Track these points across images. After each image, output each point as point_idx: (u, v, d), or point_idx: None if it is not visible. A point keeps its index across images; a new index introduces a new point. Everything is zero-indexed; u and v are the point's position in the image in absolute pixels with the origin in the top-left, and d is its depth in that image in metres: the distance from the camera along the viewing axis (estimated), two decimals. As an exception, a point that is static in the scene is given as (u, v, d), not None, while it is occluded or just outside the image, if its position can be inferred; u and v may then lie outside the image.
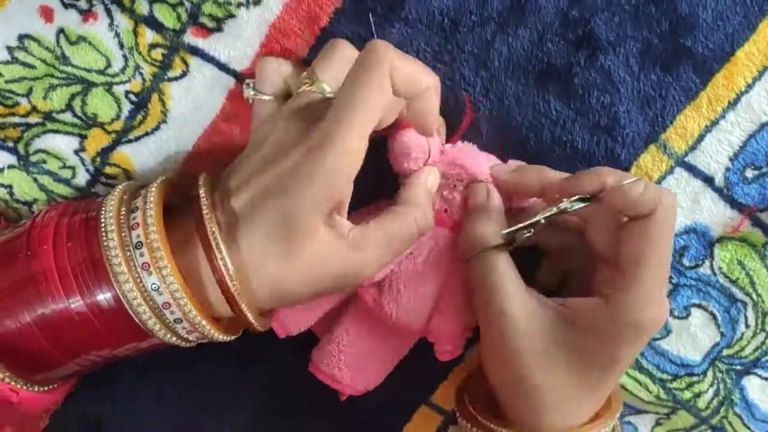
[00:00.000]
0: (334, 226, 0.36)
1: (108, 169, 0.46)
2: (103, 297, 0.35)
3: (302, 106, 0.38)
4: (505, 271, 0.40)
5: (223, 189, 0.37)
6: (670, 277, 0.46)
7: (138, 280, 0.35)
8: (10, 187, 0.46)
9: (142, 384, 0.51)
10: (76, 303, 0.35)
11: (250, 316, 0.37)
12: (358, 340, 0.44)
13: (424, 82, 0.37)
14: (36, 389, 0.39)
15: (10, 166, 0.46)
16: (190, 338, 0.38)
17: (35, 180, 0.46)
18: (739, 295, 0.45)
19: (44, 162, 0.45)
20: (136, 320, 0.36)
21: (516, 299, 0.39)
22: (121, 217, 0.36)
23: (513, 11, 0.41)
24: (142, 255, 0.35)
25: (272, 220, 0.35)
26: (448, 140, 0.43)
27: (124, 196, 0.38)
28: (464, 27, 0.42)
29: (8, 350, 0.37)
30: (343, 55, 0.40)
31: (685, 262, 0.45)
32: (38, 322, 0.36)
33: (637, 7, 0.41)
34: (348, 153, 0.35)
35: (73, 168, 0.46)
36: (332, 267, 0.37)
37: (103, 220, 0.36)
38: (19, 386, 0.37)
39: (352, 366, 0.45)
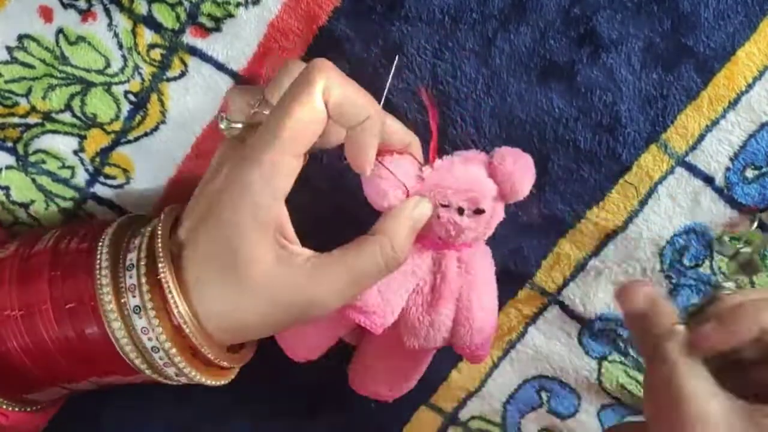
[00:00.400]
0: (285, 253, 0.35)
1: (107, 170, 0.46)
2: (92, 332, 0.35)
3: (247, 129, 0.38)
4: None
5: (177, 228, 0.37)
6: (670, 277, 0.46)
7: (128, 321, 0.35)
8: (7, 188, 0.46)
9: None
10: (65, 334, 0.36)
11: (209, 354, 0.36)
12: (389, 355, 0.44)
13: (363, 112, 0.35)
14: (26, 410, 0.39)
15: (8, 167, 0.46)
16: (180, 380, 0.38)
17: (33, 180, 0.46)
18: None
19: (43, 162, 0.45)
20: (125, 359, 0.36)
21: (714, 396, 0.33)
22: (118, 261, 0.36)
23: (514, 8, 0.41)
24: (134, 297, 0.35)
25: (211, 244, 0.35)
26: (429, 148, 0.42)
27: (120, 235, 0.38)
28: (465, 24, 0.42)
29: None
30: (294, 76, 0.37)
31: (686, 261, 0.45)
32: (26, 348, 0.36)
33: (639, 5, 0.41)
34: (271, 166, 0.33)
35: (72, 168, 0.46)
36: (285, 296, 0.35)
37: (98, 260, 0.36)
38: (9, 409, 0.37)
39: (389, 379, 0.45)
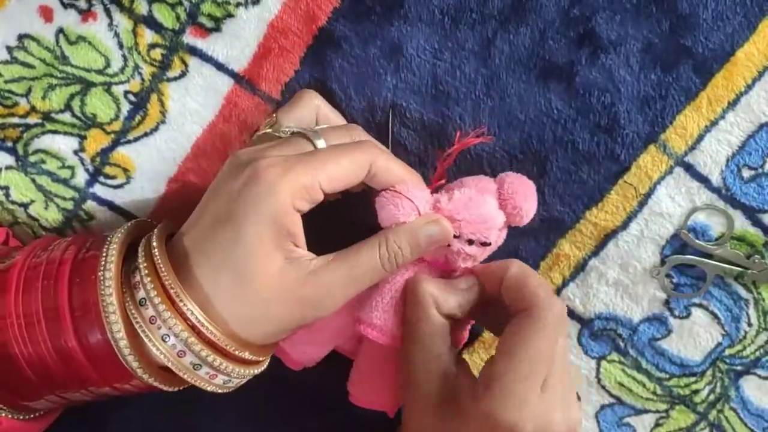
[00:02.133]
0: (292, 257, 0.36)
1: (107, 169, 0.45)
2: (95, 339, 0.35)
3: (282, 142, 0.38)
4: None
5: (177, 234, 0.37)
6: (671, 276, 0.46)
7: (138, 330, 0.35)
8: (6, 188, 0.46)
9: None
10: (67, 343, 0.36)
11: (238, 352, 0.36)
12: (387, 367, 0.44)
13: (398, 180, 0.38)
14: (21, 418, 0.38)
15: (8, 167, 0.46)
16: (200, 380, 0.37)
17: (33, 180, 0.46)
18: (742, 293, 0.45)
19: (43, 162, 0.45)
20: (129, 368, 0.36)
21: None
22: (122, 276, 0.36)
23: (514, 9, 0.41)
24: (147, 312, 0.35)
25: (222, 250, 0.35)
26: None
27: (123, 248, 0.38)
28: (465, 25, 0.42)
29: None
30: (309, 103, 0.40)
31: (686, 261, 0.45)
32: (26, 356, 0.36)
33: (638, 6, 0.41)
34: (299, 185, 0.35)
35: (72, 168, 0.45)
36: (295, 298, 0.36)
37: (101, 272, 0.36)
38: (3, 414, 0.37)
39: (389, 390, 0.44)
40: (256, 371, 0.39)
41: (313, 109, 0.40)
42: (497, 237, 0.41)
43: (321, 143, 0.38)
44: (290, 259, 0.36)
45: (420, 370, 0.39)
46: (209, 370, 0.36)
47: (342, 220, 0.42)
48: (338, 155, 0.36)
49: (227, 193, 0.36)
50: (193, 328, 0.35)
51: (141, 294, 0.35)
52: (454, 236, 0.40)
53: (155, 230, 0.38)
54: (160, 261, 0.35)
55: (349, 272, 0.37)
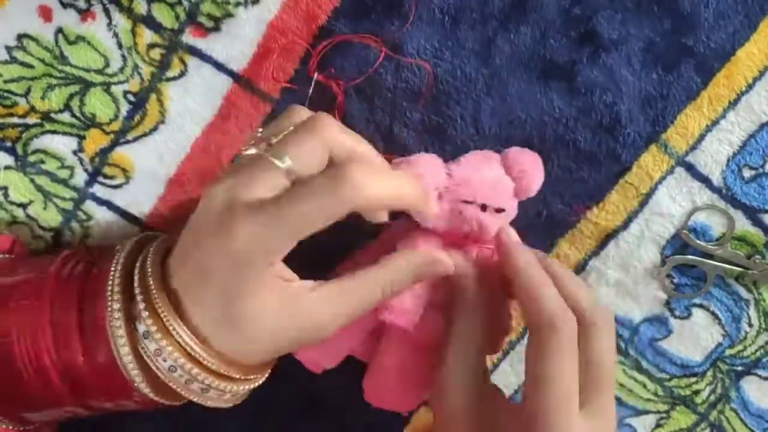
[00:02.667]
0: (285, 292, 0.35)
1: (107, 170, 0.45)
2: (100, 356, 0.36)
3: (235, 168, 0.37)
4: None
5: (169, 264, 0.37)
6: (671, 276, 0.46)
7: (139, 345, 0.36)
8: (5, 188, 0.46)
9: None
10: (70, 358, 0.36)
11: (228, 372, 0.36)
12: (400, 362, 0.44)
13: (402, 201, 0.37)
14: (19, 428, 0.39)
15: (7, 167, 0.46)
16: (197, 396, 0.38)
17: (32, 181, 0.46)
18: (743, 293, 0.45)
19: (42, 162, 0.45)
20: (128, 379, 0.36)
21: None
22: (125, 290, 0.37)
23: (514, 8, 0.41)
24: (141, 324, 0.36)
25: (209, 300, 0.35)
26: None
27: (132, 260, 0.38)
28: (465, 24, 0.42)
29: None
30: (292, 118, 0.38)
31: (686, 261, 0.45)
32: (35, 369, 0.36)
33: (639, 5, 0.41)
34: (272, 250, 0.34)
35: (71, 168, 0.45)
36: (293, 328, 0.36)
37: (109, 286, 0.36)
38: (2, 426, 0.38)
39: (405, 390, 0.44)
40: (254, 385, 0.39)
41: (325, 138, 0.37)
42: (511, 206, 0.41)
43: (286, 163, 0.35)
44: (283, 297, 0.35)
45: (459, 381, 0.38)
46: (212, 392, 0.37)
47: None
48: (310, 208, 0.33)
49: (206, 244, 0.35)
50: (188, 355, 0.35)
51: (142, 327, 0.36)
52: (467, 202, 0.39)
53: (149, 256, 0.37)
54: (157, 297, 0.35)
55: (350, 305, 0.37)
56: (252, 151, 0.36)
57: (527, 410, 0.36)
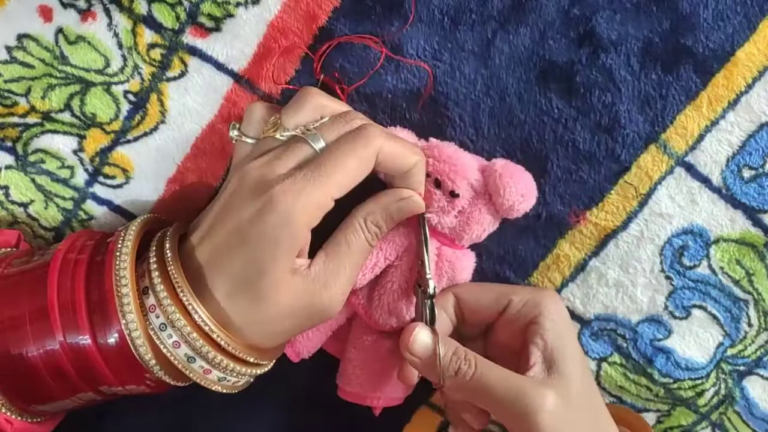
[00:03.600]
0: (299, 270, 0.37)
1: (107, 169, 0.45)
2: (111, 336, 0.36)
3: (262, 151, 0.39)
4: None
5: (189, 243, 0.38)
6: (670, 278, 0.46)
7: (147, 322, 0.36)
8: (6, 188, 0.46)
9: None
10: (83, 340, 0.36)
11: (242, 355, 0.37)
12: (368, 354, 0.45)
13: (411, 161, 0.39)
14: (29, 420, 0.39)
15: (8, 167, 0.46)
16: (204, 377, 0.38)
17: (33, 180, 0.46)
18: (741, 294, 0.45)
19: (42, 162, 0.45)
20: (139, 359, 0.36)
21: None
22: (135, 271, 0.37)
23: (514, 9, 0.41)
24: (148, 299, 0.36)
25: (237, 270, 0.36)
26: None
27: (137, 244, 0.38)
28: (464, 25, 0.42)
29: (8, 378, 0.37)
30: (312, 103, 0.40)
31: (685, 262, 0.45)
32: (43, 354, 0.37)
33: (638, 5, 0.41)
34: (316, 207, 0.36)
35: (71, 168, 0.45)
36: (305, 305, 0.37)
37: (117, 267, 0.37)
38: (14, 417, 0.38)
39: (373, 381, 0.45)
40: (262, 371, 0.40)
41: (317, 109, 0.40)
42: (469, 200, 0.41)
43: (320, 145, 0.38)
44: (298, 273, 0.37)
45: None
46: (203, 364, 0.37)
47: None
48: (345, 159, 0.37)
49: (242, 217, 0.36)
50: (206, 337, 0.36)
51: (150, 300, 0.36)
52: (426, 175, 0.41)
53: (168, 235, 0.38)
54: (174, 272, 0.36)
55: (346, 263, 0.38)
56: (288, 133, 0.38)
57: None
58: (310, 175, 0.36)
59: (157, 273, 0.36)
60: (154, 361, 0.36)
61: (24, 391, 0.38)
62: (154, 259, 0.37)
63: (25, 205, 0.46)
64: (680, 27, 0.41)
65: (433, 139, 0.43)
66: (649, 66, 0.42)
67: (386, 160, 0.38)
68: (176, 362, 0.37)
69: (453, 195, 0.41)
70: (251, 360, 0.38)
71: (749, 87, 0.42)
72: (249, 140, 0.40)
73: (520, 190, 0.41)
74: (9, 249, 0.43)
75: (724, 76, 0.42)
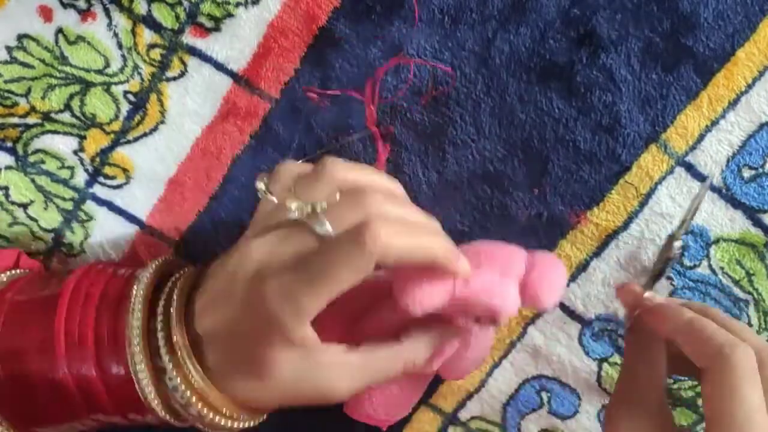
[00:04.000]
0: (309, 352, 0.36)
1: (107, 170, 0.45)
2: (116, 370, 0.37)
3: (270, 226, 0.37)
4: None
5: (193, 306, 0.38)
6: (671, 278, 0.46)
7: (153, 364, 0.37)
8: (6, 188, 0.46)
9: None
10: (88, 370, 0.37)
11: (235, 414, 0.38)
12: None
13: (433, 252, 0.35)
14: None
15: (8, 167, 0.46)
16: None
17: (33, 181, 0.46)
18: (741, 294, 0.45)
19: (42, 162, 0.45)
20: (142, 397, 0.37)
21: None
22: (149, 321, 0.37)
23: (514, 9, 0.41)
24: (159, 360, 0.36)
25: (236, 351, 0.36)
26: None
27: (150, 289, 0.38)
28: (464, 25, 0.42)
29: (11, 400, 0.38)
30: (330, 178, 0.37)
31: (686, 262, 0.45)
32: (50, 380, 0.37)
33: (639, 5, 0.41)
34: (302, 311, 0.34)
35: (71, 168, 0.45)
36: (309, 389, 0.37)
37: (132, 306, 0.37)
38: None
39: (388, 405, 0.44)
40: (254, 423, 0.40)
41: (334, 184, 0.37)
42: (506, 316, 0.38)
43: (326, 229, 0.35)
44: (305, 354, 0.36)
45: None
46: (206, 419, 0.37)
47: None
48: (336, 269, 0.33)
49: (237, 309, 0.36)
50: (197, 394, 0.36)
51: (162, 350, 0.36)
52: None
53: (175, 294, 0.38)
54: (178, 338, 0.36)
55: (369, 374, 0.37)
56: (294, 215, 0.36)
57: None
58: (299, 280, 0.34)
59: (162, 334, 0.36)
60: (157, 401, 0.37)
61: (25, 413, 0.38)
62: (161, 317, 0.37)
63: (24, 206, 0.46)
64: (681, 27, 0.41)
65: (460, 281, 0.37)
66: (649, 66, 0.42)
67: (401, 258, 0.33)
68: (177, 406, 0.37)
69: (493, 323, 0.39)
70: (246, 421, 0.39)
71: (749, 87, 0.42)
72: (273, 199, 0.38)
73: (554, 296, 0.38)
74: (16, 271, 0.43)
75: (724, 76, 0.42)
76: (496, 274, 0.37)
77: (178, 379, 0.36)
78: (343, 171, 0.37)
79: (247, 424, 0.39)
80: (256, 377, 0.36)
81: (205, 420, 0.37)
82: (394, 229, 0.33)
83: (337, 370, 0.37)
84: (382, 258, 0.33)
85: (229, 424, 0.38)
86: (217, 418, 0.37)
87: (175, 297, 0.38)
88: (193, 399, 0.36)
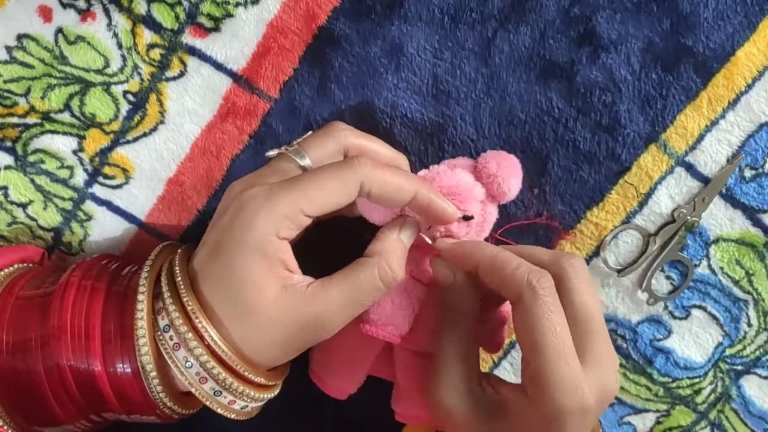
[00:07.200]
0: (288, 283, 0.36)
1: (107, 170, 0.45)
2: (122, 366, 0.36)
3: (268, 167, 0.39)
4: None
5: (192, 264, 0.38)
6: (671, 278, 0.46)
7: (165, 356, 0.36)
8: (5, 188, 0.46)
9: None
10: (94, 366, 0.37)
11: (251, 375, 0.37)
12: (419, 376, 0.44)
13: (407, 189, 0.37)
14: None
15: (7, 167, 0.46)
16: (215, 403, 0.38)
17: (32, 180, 0.46)
18: (740, 294, 0.45)
19: (42, 162, 0.45)
20: (148, 392, 0.37)
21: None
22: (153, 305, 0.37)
23: (514, 8, 0.41)
24: (171, 338, 0.36)
25: (221, 281, 0.36)
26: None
27: (155, 274, 0.38)
28: (464, 24, 0.42)
29: (14, 398, 0.37)
30: (335, 134, 0.39)
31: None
32: (52, 376, 0.37)
33: (639, 5, 0.41)
34: (283, 217, 0.35)
35: (71, 168, 0.45)
36: (294, 320, 0.36)
37: (140, 297, 0.37)
38: None
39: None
40: (270, 395, 0.39)
41: (340, 139, 0.39)
42: (481, 212, 0.40)
43: (306, 162, 0.38)
44: (286, 285, 0.36)
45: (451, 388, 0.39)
46: (228, 395, 0.37)
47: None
48: (322, 178, 0.35)
49: (219, 224, 0.36)
50: (211, 351, 0.36)
51: (164, 321, 0.36)
52: None
53: (177, 254, 0.38)
54: (181, 285, 0.36)
55: (351, 294, 0.37)
56: (274, 151, 0.39)
57: (529, 378, 0.35)
58: (282, 185, 0.35)
59: (170, 301, 0.36)
60: (163, 394, 0.37)
61: (27, 411, 0.38)
62: (167, 287, 0.37)
63: (24, 206, 0.46)
64: (680, 27, 0.41)
65: (426, 171, 0.41)
66: (649, 66, 0.42)
67: (378, 191, 0.36)
68: (190, 386, 0.36)
69: (467, 218, 0.40)
70: (258, 380, 0.37)
71: (749, 87, 0.42)
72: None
73: (508, 173, 0.40)
74: (28, 264, 0.43)
75: (724, 76, 0.42)
76: (442, 166, 0.41)
77: (189, 335, 0.35)
78: (351, 136, 0.40)
79: (261, 396, 0.38)
80: (243, 315, 0.35)
81: (224, 383, 0.36)
82: (381, 168, 0.36)
83: (321, 295, 0.36)
84: (366, 183, 0.36)
85: (244, 390, 0.37)
86: (233, 382, 0.36)
87: (177, 262, 0.38)
88: (202, 351, 0.35)
